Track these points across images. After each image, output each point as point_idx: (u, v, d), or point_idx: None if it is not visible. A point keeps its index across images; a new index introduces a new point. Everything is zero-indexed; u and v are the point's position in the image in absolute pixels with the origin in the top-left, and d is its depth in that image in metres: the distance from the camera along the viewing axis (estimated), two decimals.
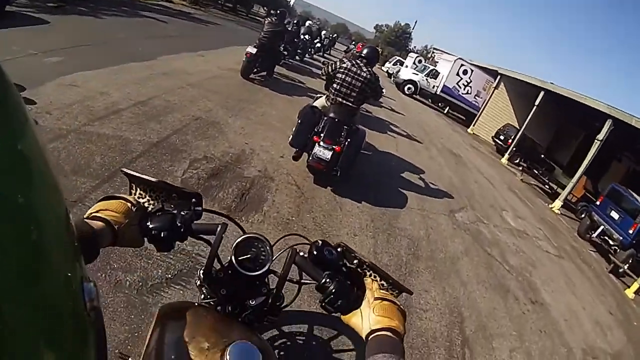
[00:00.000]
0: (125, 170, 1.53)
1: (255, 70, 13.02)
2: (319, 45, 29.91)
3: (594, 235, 16.04)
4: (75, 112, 6.30)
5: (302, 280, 1.58)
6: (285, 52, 17.71)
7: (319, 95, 8.53)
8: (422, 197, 9.10)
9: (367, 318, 1.29)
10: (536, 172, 22.57)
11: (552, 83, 23.03)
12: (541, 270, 9.29)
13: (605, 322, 9.16)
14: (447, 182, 11.58)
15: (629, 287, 13.85)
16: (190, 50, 13.82)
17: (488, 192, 13.58)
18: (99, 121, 6.32)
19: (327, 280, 1.37)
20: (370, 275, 1.46)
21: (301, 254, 1.50)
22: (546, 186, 21.88)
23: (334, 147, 6.92)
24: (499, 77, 29.08)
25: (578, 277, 10.84)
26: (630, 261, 14.81)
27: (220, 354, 1.24)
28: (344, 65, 7.29)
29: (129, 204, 1.38)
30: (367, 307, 1.33)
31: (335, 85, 7.34)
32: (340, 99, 7.30)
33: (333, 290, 1.34)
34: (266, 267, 1.51)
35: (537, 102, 23.07)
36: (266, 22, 13.49)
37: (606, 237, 15.78)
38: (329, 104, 7.47)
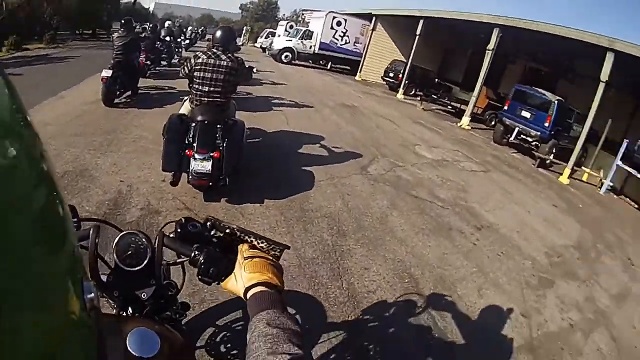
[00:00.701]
0: None
1: (118, 92, 11.49)
2: (187, 42, 28.97)
3: (511, 138, 16.36)
4: None
5: (178, 260, 1.58)
6: (149, 62, 16.24)
7: (185, 98, 7.40)
8: (328, 166, 8.28)
9: (240, 278, 1.29)
10: (435, 96, 22.54)
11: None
12: (474, 192, 8.95)
13: (553, 218, 9.09)
14: (349, 139, 10.87)
15: (560, 174, 14.21)
16: (48, 95, 12.20)
17: (393, 132, 13.11)
18: None
19: (196, 252, 1.39)
20: (243, 240, 1.44)
21: (171, 235, 1.51)
22: (449, 107, 22.06)
23: (211, 154, 5.88)
24: (374, 18, 28.93)
25: (511, 184, 10.70)
26: (554, 151, 15.45)
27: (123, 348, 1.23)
28: (199, 60, 6.24)
29: None
30: (238, 268, 1.33)
31: (195, 86, 6.35)
32: (205, 99, 6.35)
33: (202, 261, 1.36)
34: (147, 259, 1.51)
35: (418, 32, 23.08)
36: (115, 37, 11.95)
37: (524, 136, 16.16)
38: (194, 106, 6.47)
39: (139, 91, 12.44)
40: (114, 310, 1.54)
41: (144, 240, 1.53)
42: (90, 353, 0.68)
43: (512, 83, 20.84)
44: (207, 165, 5.82)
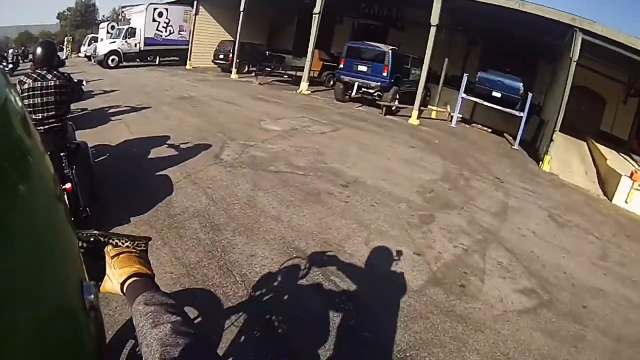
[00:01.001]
0: None
1: None
2: (10, 66, 26.58)
3: (353, 93, 16.87)
4: None
5: None
6: None
7: None
8: (181, 165, 7.91)
9: (113, 277, 1.30)
10: (269, 69, 22.60)
11: None
12: (331, 153, 9.12)
13: (414, 158, 9.63)
14: (194, 131, 10.51)
15: (409, 117, 14.97)
16: None
17: (236, 113, 12.98)
18: None
19: None
20: (107, 243, 1.41)
21: None
22: (285, 77, 22.21)
23: (64, 187, 5.24)
24: (195, 2, 28.12)
25: (364, 136, 11.02)
26: (397, 97, 16.19)
27: None
28: (25, 86, 5.41)
29: None
30: (109, 268, 1.33)
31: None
32: (40, 128, 5.51)
33: None
34: None
35: (241, 8, 22.78)
36: None
37: (365, 89, 16.68)
38: None
39: None
40: None
41: None
42: (90, 352, 0.69)
43: (343, 42, 21.38)
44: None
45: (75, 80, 6.09)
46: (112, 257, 1.35)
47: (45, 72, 5.55)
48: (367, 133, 11.38)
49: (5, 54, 28.56)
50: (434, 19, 14.82)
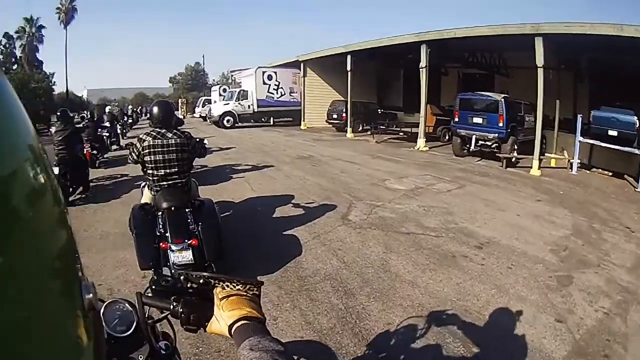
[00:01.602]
0: None
1: (71, 189, 10.51)
2: (130, 120, 29.39)
3: (471, 147, 16.18)
4: None
5: (161, 316, 1.57)
6: (95, 151, 15.21)
7: (142, 185, 6.60)
8: (308, 225, 7.77)
9: (221, 319, 1.30)
10: (383, 127, 22.31)
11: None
12: (460, 212, 8.63)
13: (542, 212, 8.99)
14: (318, 190, 10.47)
15: (530, 167, 14.11)
16: None
17: (358, 173, 12.75)
18: None
19: (174, 304, 1.41)
20: (217, 285, 1.42)
21: (149, 294, 1.52)
22: (400, 134, 21.77)
23: (188, 242, 5.18)
24: (302, 64, 28.76)
25: (489, 192, 10.48)
26: (515, 147, 15.33)
27: None
28: (145, 143, 5.56)
29: None
30: (217, 310, 1.33)
31: (150, 171, 5.66)
32: (164, 183, 5.68)
33: (182, 310, 1.37)
34: (135, 323, 1.51)
35: (348, 68, 23.06)
36: (53, 131, 11.10)
37: (482, 142, 16.00)
38: (154, 193, 5.77)
39: (92, 184, 11.69)
40: None
41: (127, 305, 1.53)
42: (89, 352, 0.66)
43: (451, 94, 21.07)
44: (187, 255, 5.15)
45: (197, 139, 6.10)
46: (221, 299, 1.34)
47: (164, 130, 5.63)
48: (492, 188, 10.82)
49: (126, 111, 30.54)
50: (539, 59, 14.11)
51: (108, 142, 18.81)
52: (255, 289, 1.42)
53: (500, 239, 7.12)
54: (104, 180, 12.98)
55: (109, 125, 19.45)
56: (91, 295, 0.66)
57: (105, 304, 1.51)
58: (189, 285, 1.46)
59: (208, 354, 4.11)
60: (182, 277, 1.47)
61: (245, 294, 1.37)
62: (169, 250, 5.16)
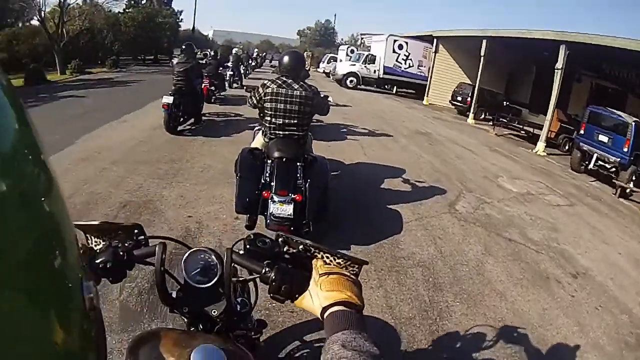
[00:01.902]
0: (75, 222, 1.18)
1: (181, 119, 11.14)
2: (254, 64, 30.53)
3: (590, 165, 14.96)
4: None
5: (249, 277, 1.54)
6: (213, 88, 15.86)
7: (256, 129, 6.76)
8: (414, 204, 7.63)
9: (316, 297, 1.20)
10: (505, 121, 21.30)
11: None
12: (564, 231, 8.11)
13: None
14: (430, 171, 10.24)
15: None
16: (112, 119, 12.00)
17: (473, 162, 12.32)
18: None
19: (267, 269, 1.32)
20: (317, 256, 1.35)
21: (241, 252, 1.44)
22: (522, 132, 20.81)
23: (292, 197, 5.13)
24: (435, 40, 27.79)
25: (597, 219, 9.70)
26: (634, 178, 13.92)
27: None
28: (268, 90, 5.53)
29: None
30: (313, 285, 1.24)
31: (268, 118, 5.64)
32: (279, 132, 5.66)
33: (274, 278, 1.28)
34: (217, 276, 1.43)
35: (482, 53, 22.06)
36: (175, 63, 11.47)
37: (602, 163, 14.73)
38: (268, 140, 5.75)
39: (204, 118, 12.02)
40: (185, 327, 1.52)
41: (213, 257, 1.46)
42: (90, 352, 0.66)
43: (579, 103, 19.84)
44: (288, 209, 5.12)
45: (322, 96, 6.02)
46: (321, 275, 1.25)
47: (291, 80, 5.54)
48: (601, 216, 10.00)
49: (251, 54, 31.29)
50: None
51: (231, 80, 19.63)
52: (357, 268, 1.34)
53: (597, 274, 6.64)
54: (217, 116, 13.37)
55: (232, 65, 20.14)
56: (92, 294, 0.65)
57: (191, 250, 1.47)
58: (285, 249, 1.40)
59: (280, 312, 4.11)
60: (280, 240, 1.41)
61: (347, 274, 1.27)
62: (269, 200, 5.13)
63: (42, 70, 23.42)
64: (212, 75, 15.58)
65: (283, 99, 5.49)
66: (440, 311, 4.75)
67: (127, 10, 44.08)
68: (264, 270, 1.32)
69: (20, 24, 35.72)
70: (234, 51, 23.18)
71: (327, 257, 1.33)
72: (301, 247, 1.37)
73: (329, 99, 6.42)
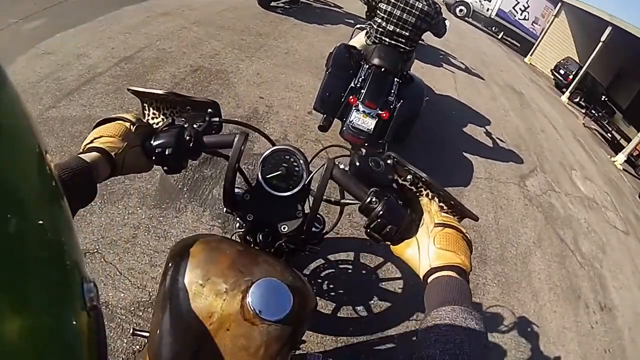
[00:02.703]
0: (131, 87, 1.29)
1: None
2: None
3: None
4: (42, 91, 4.62)
5: (343, 200, 1.30)
6: None
7: (358, 26, 6.11)
8: (488, 161, 7.08)
9: (425, 250, 1.01)
10: (597, 114, 19.80)
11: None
12: (610, 256, 7.51)
13: None
14: (513, 133, 9.49)
15: None
16: None
17: (555, 144, 11.44)
18: (66, 99, 4.60)
19: (373, 199, 1.09)
20: (427, 196, 1.16)
21: (342, 166, 1.20)
22: (608, 134, 19.47)
23: (379, 112, 4.64)
24: (559, 4, 25.30)
25: None
26: None
27: (241, 297, 1.03)
28: None
29: (127, 124, 1.16)
30: (424, 235, 1.04)
31: (378, 20, 5.01)
32: (386, 39, 5.04)
33: (380, 212, 1.05)
34: (300, 186, 1.24)
35: (603, 39, 19.98)
36: None
37: None
38: (370, 43, 5.17)
39: (302, 1, 11.18)
40: (238, 232, 1.38)
41: (301, 162, 1.24)
42: (91, 352, 0.61)
43: None
44: (370, 123, 4.64)
45: (443, 17, 5.37)
46: (436, 225, 1.05)
47: None
48: None
49: None
50: None
51: None
52: (459, 218, 1.15)
53: (619, 316, 6.16)
54: (315, 1, 12.37)
55: None
56: (93, 294, 0.58)
57: (275, 147, 1.26)
58: (393, 178, 1.18)
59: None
60: (389, 162, 1.18)
61: (464, 231, 1.07)
62: (353, 108, 4.67)
63: None
64: None
65: (403, 5, 4.89)
66: (476, 286, 4.47)
67: None
68: (369, 199, 1.10)
69: None
70: None
71: (441, 200, 1.15)
72: (410, 176, 1.17)
73: (446, 22, 5.77)
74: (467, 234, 1.07)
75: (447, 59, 12.91)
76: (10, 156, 0.44)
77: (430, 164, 5.89)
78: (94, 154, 1.05)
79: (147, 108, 1.35)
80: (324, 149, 1.52)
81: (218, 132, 1.32)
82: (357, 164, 1.18)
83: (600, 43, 20.09)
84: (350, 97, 4.70)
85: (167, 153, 1.16)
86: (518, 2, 27.92)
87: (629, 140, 16.75)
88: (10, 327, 0.41)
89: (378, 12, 5.03)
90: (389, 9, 4.92)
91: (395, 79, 4.88)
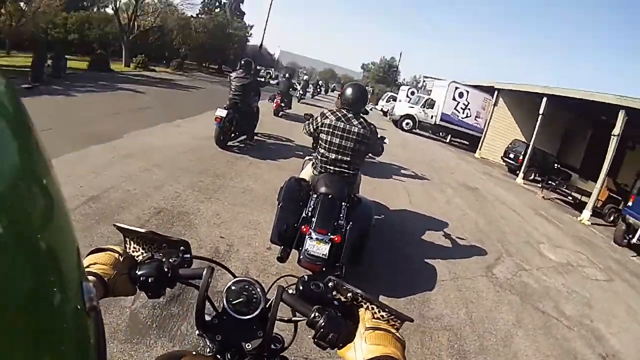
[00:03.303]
0: (117, 224, 1.50)
1: (233, 135, 10.88)
2: (315, 92, 32.82)
3: (634, 239, 13.92)
4: None
5: (294, 318, 1.45)
6: (283, 104, 17.08)
7: (307, 157, 6.59)
8: (451, 262, 7.33)
9: (360, 349, 1.17)
10: (553, 184, 20.40)
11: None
12: (599, 308, 7.65)
13: None
14: (473, 228, 9.90)
15: None
16: (165, 120, 12.35)
17: (517, 226, 11.84)
18: None
19: (316, 314, 1.26)
20: (365, 307, 1.31)
21: (290, 291, 1.38)
22: (569, 197, 20.07)
23: (331, 237, 4.77)
24: (496, 92, 27.28)
25: (634, 297, 9.14)
26: None
27: None
28: (327, 121, 5.28)
29: (116, 255, 1.36)
30: (359, 338, 1.21)
31: (321, 150, 5.37)
32: (330, 167, 5.38)
33: (322, 324, 1.23)
34: (259, 310, 1.39)
35: (541, 111, 21.47)
36: (233, 77, 10.90)
37: None
38: (317, 173, 5.49)
39: (256, 137, 11.94)
40: (210, 353, 1.43)
41: (258, 290, 1.41)
42: (90, 353, 0.65)
43: (630, 172, 18.97)
44: (324, 249, 4.76)
45: (379, 137, 5.76)
46: (367, 329, 1.22)
47: (351, 115, 5.28)
48: (637, 294, 9.39)
49: (319, 85, 32.95)
50: None
51: (298, 98, 22.62)
52: (399, 322, 1.29)
53: (629, 352, 6.25)
54: (269, 138, 13.34)
55: (299, 87, 21.94)
56: (92, 295, 0.64)
57: (237, 278, 1.43)
58: (334, 295, 1.36)
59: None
60: (330, 284, 1.36)
61: (394, 331, 1.24)
62: (307, 236, 4.85)
63: (107, 59, 24.53)
64: (284, 93, 16.47)
65: (340, 133, 5.24)
66: None
67: (200, 16, 45.68)
68: (313, 315, 1.27)
69: (95, 9, 37.54)
70: (304, 78, 24.65)
71: (375, 310, 1.30)
72: (350, 294, 1.33)
73: (385, 141, 6.24)
74: (397, 335, 1.23)
75: (398, 173, 13.63)
76: (12, 161, 0.48)
77: (392, 277, 6.10)
78: (92, 277, 1.22)
79: (129, 242, 1.53)
80: (279, 278, 1.69)
81: (189, 266, 1.51)
82: (301, 287, 1.36)
83: (540, 115, 21.47)
84: (303, 226, 4.89)
85: (150, 281, 1.34)
86: (458, 102, 29.67)
87: (589, 195, 17.33)
88: (10, 327, 0.43)
89: (320, 142, 5.37)
90: (328, 138, 5.25)
91: (343, 204, 5.13)
